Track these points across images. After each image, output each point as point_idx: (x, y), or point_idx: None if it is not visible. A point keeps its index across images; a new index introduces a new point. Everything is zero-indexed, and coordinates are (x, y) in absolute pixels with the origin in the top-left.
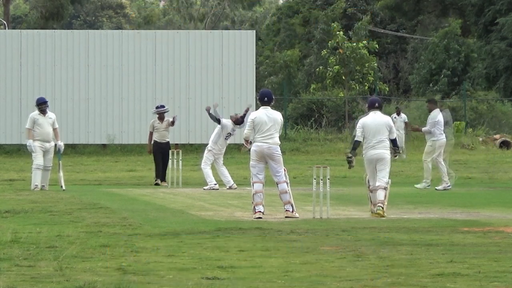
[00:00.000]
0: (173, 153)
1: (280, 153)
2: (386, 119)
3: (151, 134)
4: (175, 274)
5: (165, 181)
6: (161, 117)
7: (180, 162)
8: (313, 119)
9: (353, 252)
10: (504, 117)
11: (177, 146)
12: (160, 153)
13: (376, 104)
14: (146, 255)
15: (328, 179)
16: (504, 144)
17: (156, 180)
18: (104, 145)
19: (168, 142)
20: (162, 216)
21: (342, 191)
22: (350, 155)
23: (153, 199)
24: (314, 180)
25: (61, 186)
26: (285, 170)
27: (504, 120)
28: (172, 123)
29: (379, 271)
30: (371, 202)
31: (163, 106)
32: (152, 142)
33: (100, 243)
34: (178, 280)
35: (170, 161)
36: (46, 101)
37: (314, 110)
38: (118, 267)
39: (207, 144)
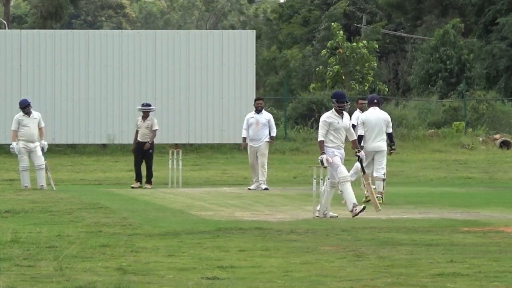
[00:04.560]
0: (173, 153)
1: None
2: (385, 115)
3: (137, 132)
4: (175, 274)
5: (151, 183)
6: (145, 116)
7: (180, 162)
8: (313, 119)
9: (353, 252)
10: (504, 117)
11: (177, 146)
12: (141, 153)
13: (375, 101)
14: (146, 255)
15: (328, 179)
16: (504, 144)
17: (135, 183)
18: (104, 145)
19: (151, 142)
20: (162, 216)
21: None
22: (357, 151)
23: (153, 199)
24: (314, 180)
25: (52, 187)
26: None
27: (504, 120)
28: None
29: (379, 271)
30: (364, 187)
31: (149, 105)
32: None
33: (100, 243)
34: (178, 280)
35: (169, 161)
36: (29, 103)
37: (314, 110)
38: (118, 267)
39: (207, 144)
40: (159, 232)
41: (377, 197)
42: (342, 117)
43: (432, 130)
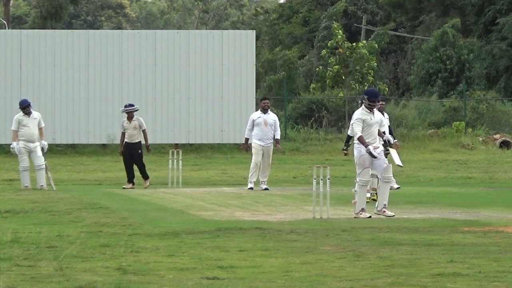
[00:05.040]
0: (173, 153)
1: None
2: (380, 114)
3: (123, 134)
4: (175, 274)
5: (148, 177)
6: (130, 117)
7: (180, 162)
8: (313, 119)
9: (353, 252)
10: (504, 117)
11: (177, 146)
12: (130, 154)
13: None
14: (146, 255)
15: (328, 179)
16: (504, 144)
17: (127, 185)
18: (104, 145)
19: (138, 142)
20: (162, 216)
21: (342, 191)
22: (344, 147)
23: (153, 199)
24: (314, 180)
25: (52, 187)
26: None
27: (504, 120)
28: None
29: (379, 271)
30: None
31: (132, 105)
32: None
33: (100, 243)
34: (178, 280)
35: (169, 161)
36: (29, 103)
37: (314, 110)
38: (118, 267)
39: (207, 144)
40: (159, 232)
41: (371, 193)
42: (374, 113)
43: (432, 130)
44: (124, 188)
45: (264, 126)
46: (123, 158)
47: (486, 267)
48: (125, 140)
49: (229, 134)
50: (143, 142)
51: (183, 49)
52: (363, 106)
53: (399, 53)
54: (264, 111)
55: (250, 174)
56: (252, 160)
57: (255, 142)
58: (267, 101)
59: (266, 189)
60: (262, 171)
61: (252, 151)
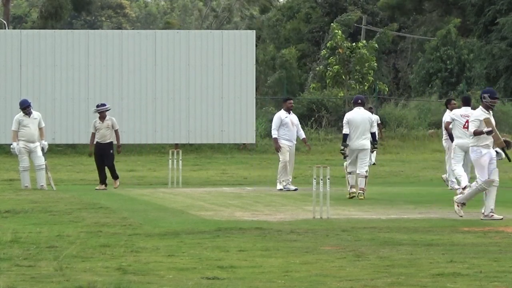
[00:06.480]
0: (173, 153)
1: None
2: (369, 114)
3: (93, 135)
4: (175, 274)
5: (117, 177)
6: (102, 116)
7: (180, 162)
8: (313, 119)
9: (353, 252)
10: (504, 117)
11: (177, 146)
12: (101, 155)
13: (359, 101)
14: (146, 255)
15: (328, 179)
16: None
17: (100, 186)
18: None
19: (110, 143)
20: (162, 216)
21: (342, 191)
22: (342, 147)
23: (153, 199)
24: (314, 180)
25: (52, 187)
26: None
27: (504, 120)
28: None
29: (379, 271)
30: (349, 183)
31: (104, 105)
32: (95, 143)
33: (100, 243)
34: (178, 280)
35: (169, 161)
36: (30, 103)
37: (314, 110)
38: (118, 267)
39: (207, 144)
40: (159, 232)
41: (359, 193)
42: (491, 113)
43: (432, 130)
44: (96, 189)
45: (291, 126)
46: (95, 159)
47: (486, 267)
48: (97, 140)
49: (229, 134)
50: (114, 142)
51: (183, 49)
52: (480, 106)
53: (399, 53)
54: (289, 111)
55: (279, 175)
56: (281, 160)
57: (283, 143)
58: (291, 101)
59: (295, 189)
60: (291, 170)
61: (281, 151)
